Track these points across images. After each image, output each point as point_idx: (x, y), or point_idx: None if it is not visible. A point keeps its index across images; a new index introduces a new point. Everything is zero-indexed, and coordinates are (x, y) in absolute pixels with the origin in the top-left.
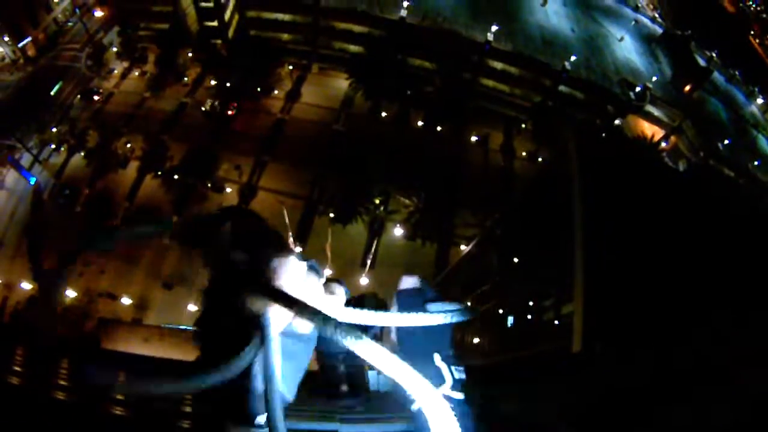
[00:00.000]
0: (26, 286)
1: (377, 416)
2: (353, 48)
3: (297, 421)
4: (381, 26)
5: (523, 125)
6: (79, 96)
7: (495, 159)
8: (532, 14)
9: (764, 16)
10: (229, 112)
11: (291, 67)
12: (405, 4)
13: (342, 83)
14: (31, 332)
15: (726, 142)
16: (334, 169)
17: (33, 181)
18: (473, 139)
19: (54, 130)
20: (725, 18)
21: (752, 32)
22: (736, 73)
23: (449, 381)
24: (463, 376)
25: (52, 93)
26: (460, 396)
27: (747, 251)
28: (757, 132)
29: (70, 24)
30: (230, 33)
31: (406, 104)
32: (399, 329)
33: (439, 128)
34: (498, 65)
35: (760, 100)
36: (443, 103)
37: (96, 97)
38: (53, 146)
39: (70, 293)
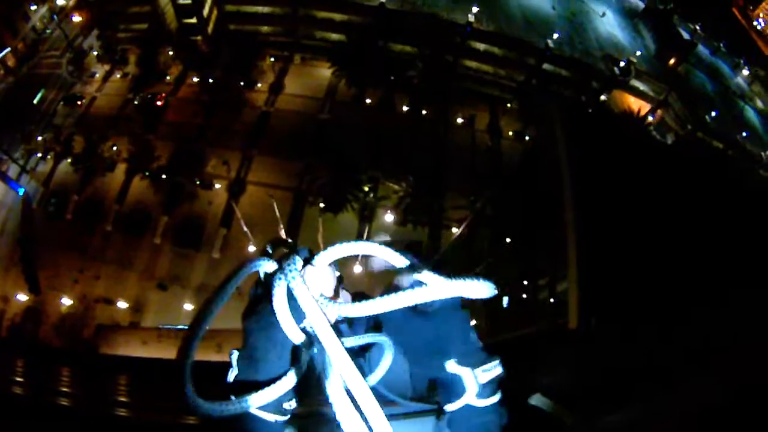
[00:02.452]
0: (22, 297)
1: (407, 411)
2: (334, 36)
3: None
4: (361, 13)
5: (509, 105)
6: (62, 102)
7: (482, 140)
8: None
9: None
10: (159, 103)
11: (273, 60)
12: None
13: (325, 72)
14: (29, 344)
15: (713, 114)
16: (321, 159)
17: (22, 191)
18: (459, 121)
19: (39, 138)
20: None
21: (735, 3)
22: (721, 45)
23: (472, 389)
24: (498, 372)
25: (35, 101)
26: (488, 402)
27: (738, 224)
28: (744, 103)
29: (48, 31)
30: (210, 29)
31: (390, 90)
32: (388, 331)
33: (424, 112)
34: (480, 46)
35: (745, 72)
36: (427, 87)
37: (79, 102)
38: (39, 155)
39: (66, 301)
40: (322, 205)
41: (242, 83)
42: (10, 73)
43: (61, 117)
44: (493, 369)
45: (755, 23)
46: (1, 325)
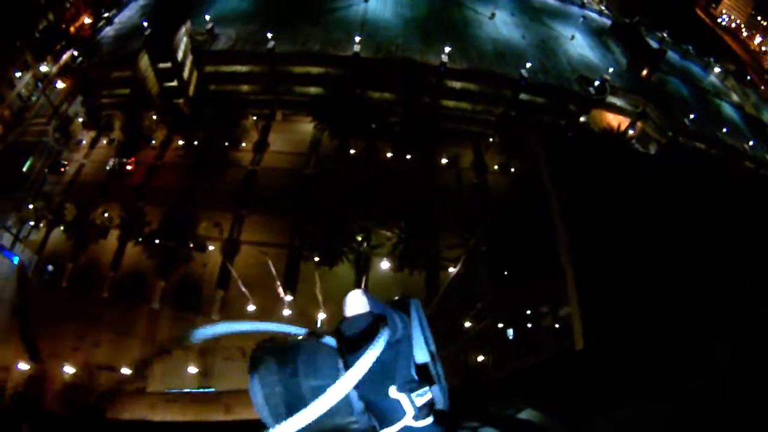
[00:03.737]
0: (24, 366)
1: None
2: (313, 90)
3: None
4: (337, 64)
5: (491, 139)
6: (46, 170)
7: (468, 177)
8: (481, 29)
9: None
10: (129, 167)
11: (255, 118)
12: (357, 39)
13: (307, 127)
14: (34, 412)
15: (692, 117)
16: (311, 213)
17: (16, 260)
18: (444, 161)
19: (30, 206)
20: None
21: (698, 3)
22: (690, 47)
23: (410, 412)
24: (428, 398)
25: (24, 169)
26: (424, 423)
27: (727, 230)
28: (719, 100)
29: (33, 98)
30: (191, 91)
31: (373, 138)
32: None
33: (408, 156)
34: (456, 85)
35: (717, 69)
36: (408, 131)
37: (62, 170)
38: (32, 223)
39: (69, 369)
40: (317, 259)
41: (227, 143)
42: None
43: (51, 184)
44: (425, 394)
45: (719, 20)
46: (4, 395)
